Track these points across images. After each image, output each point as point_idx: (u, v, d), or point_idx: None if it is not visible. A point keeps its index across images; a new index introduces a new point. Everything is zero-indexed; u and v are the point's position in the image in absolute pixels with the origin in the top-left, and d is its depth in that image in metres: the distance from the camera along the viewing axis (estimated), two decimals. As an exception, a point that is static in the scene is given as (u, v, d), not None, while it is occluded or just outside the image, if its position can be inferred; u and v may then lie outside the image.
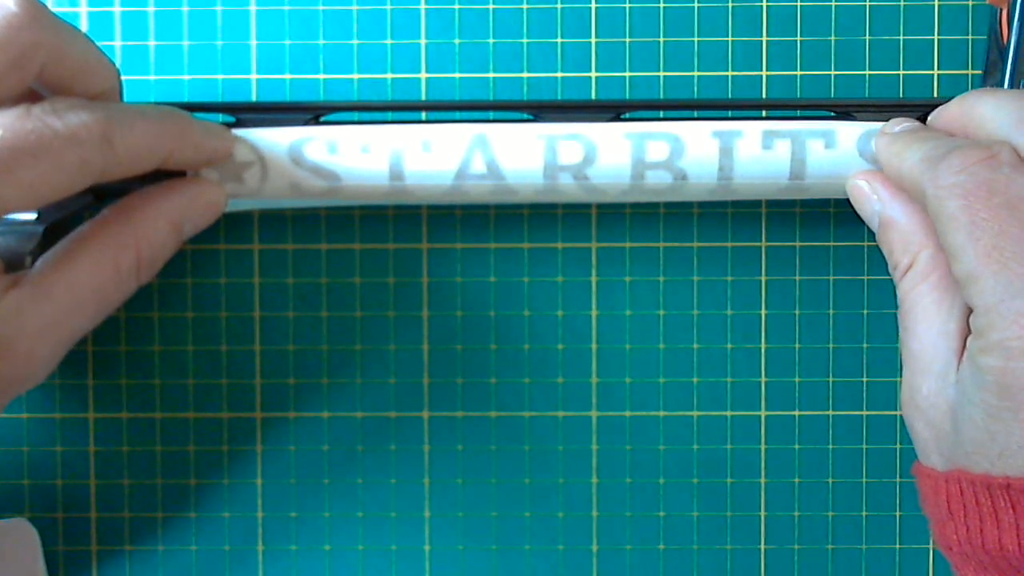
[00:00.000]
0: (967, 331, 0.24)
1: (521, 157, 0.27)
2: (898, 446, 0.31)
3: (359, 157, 0.27)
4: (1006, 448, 0.22)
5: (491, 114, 0.29)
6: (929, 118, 0.27)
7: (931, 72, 0.31)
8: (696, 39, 0.31)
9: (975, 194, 0.22)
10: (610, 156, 0.27)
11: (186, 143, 0.26)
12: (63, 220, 0.27)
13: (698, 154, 0.27)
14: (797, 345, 0.31)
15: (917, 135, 0.25)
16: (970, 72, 0.31)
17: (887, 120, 0.27)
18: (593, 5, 0.31)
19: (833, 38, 0.31)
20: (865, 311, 0.31)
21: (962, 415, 0.23)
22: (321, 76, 0.31)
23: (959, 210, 0.22)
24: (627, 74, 0.31)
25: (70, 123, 0.23)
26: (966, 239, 0.22)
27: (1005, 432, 0.22)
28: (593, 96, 0.31)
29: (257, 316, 0.32)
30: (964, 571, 0.23)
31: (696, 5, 0.31)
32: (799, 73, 0.31)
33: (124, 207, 0.27)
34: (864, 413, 0.31)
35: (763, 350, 0.31)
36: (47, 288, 0.25)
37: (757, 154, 0.27)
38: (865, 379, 0.31)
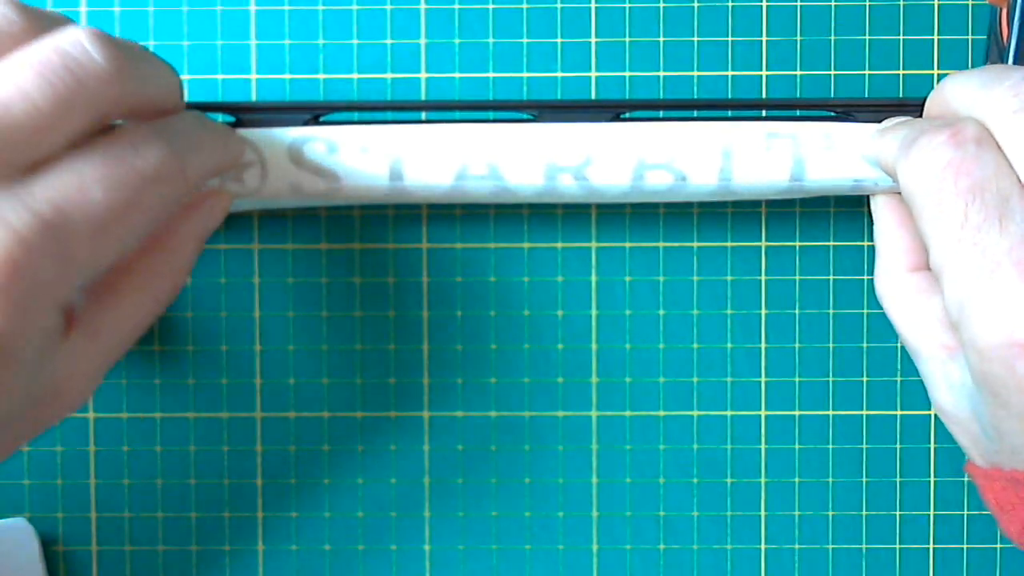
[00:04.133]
0: None
1: (521, 158, 0.27)
2: (898, 446, 0.32)
3: (359, 157, 0.27)
4: (1015, 445, 0.21)
5: (491, 114, 0.29)
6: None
7: (931, 72, 0.31)
8: (696, 39, 0.31)
9: (941, 179, 0.21)
10: (610, 157, 0.27)
11: (234, 158, 0.26)
12: None
13: (698, 155, 0.27)
14: (797, 345, 0.31)
15: (902, 124, 0.25)
16: (970, 72, 0.31)
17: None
18: (593, 5, 0.31)
19: (833, 38, 0.31)
20: (865, 311, 0.31)
21: (978, 415, 0.23)
22: (321, 76, 0.31)
23: (927, 198, 0.21)
24: (627, 74, 0.31)
25: (152, 164, 0.22)
26: (933, 229, 0.21)
27: (1009, 431, 0.21)
28: (593, 96, 0.31)
29: (257, 316, 0.32)
30: None
31: (696, 5, 0.31)
32: (799, 73, 0.31)
33: (158, 233, 0.26)
34: (864, 413, 0.31)
35: (763, 350, 0.31)
36: (95, 329, 0.24)
37: (757, 155, 0.27)
38: (865, 379, 0.31)
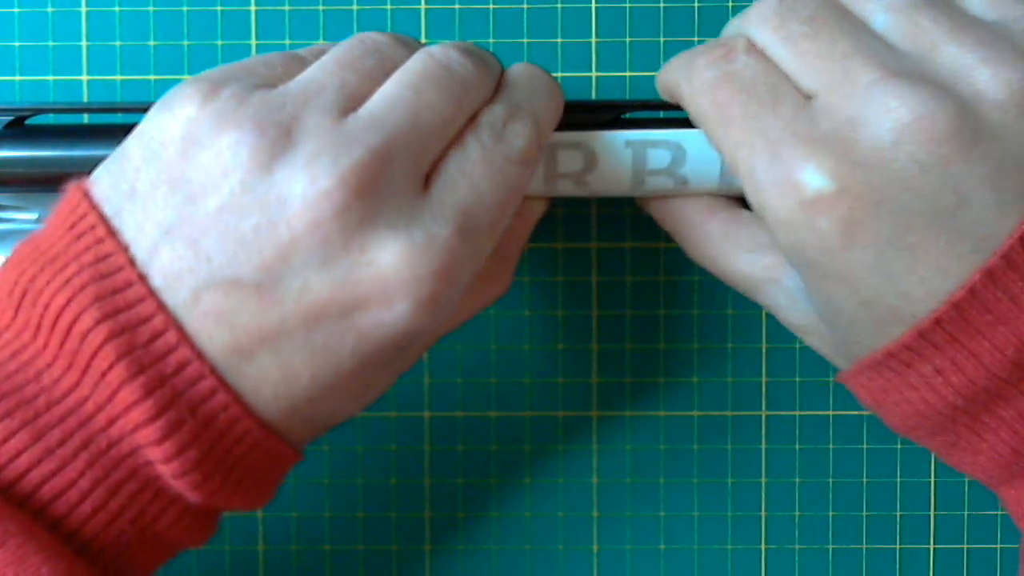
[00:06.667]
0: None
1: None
2: (898, 446, 0.32)
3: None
4: (851, 318, 0.22)
5: (491, 114, 0.29)
6: None
7: (931, 72, 0.31)
8: (696, 39, 0.31)
9: (718, 87, 0.23)
10: (610, 164, 0.26)
11: (561, 104, 0.26)
12: None
13: (699, 160, 0.26)
14: (797, 345, 0.31)
15: (681, 54, 0.26)
16: (970, 72, 0.31)
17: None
18: (593, 5, 0.31)
19: (833, 38, 0.31)
20: (865, 311, 0.31)
21: (819, 310, 0.23)
22: (321, 76, 0.31)
23: (709, 106, 0.23)
24: (627, 74, 0.31)
25: (519, 147, 0.23)
26: (721, 131, 0.23)
27: (840, 303, 0.22)
28: (593, 96, 0.31)
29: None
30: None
31: (696, 5, 0.31)
32: (799, 73, 0.31)
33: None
34: (864, 413, 0.31)
35: (763, 350, 0.31)
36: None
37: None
38: (865, 379, 0.31)
